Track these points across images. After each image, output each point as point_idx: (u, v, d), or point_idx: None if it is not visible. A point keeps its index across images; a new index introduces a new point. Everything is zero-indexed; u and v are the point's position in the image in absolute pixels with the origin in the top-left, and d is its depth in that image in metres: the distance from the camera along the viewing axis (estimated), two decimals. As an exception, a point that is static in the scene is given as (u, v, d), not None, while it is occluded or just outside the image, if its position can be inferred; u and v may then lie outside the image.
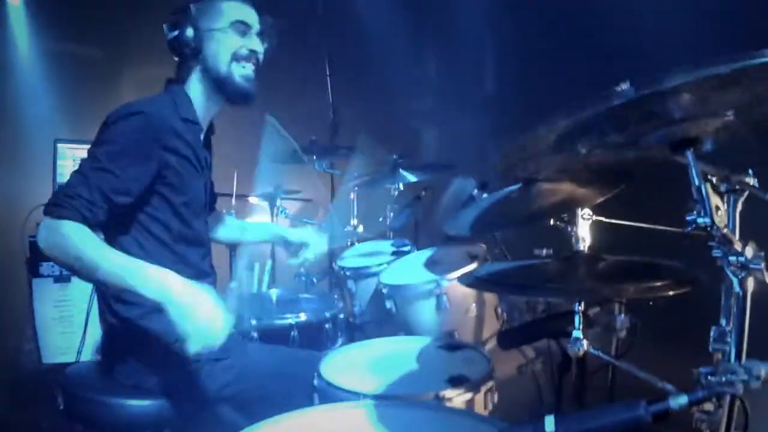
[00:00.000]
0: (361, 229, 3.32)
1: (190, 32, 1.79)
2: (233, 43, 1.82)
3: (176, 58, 1.86)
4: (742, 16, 2.73)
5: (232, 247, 3.53)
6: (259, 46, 1.88)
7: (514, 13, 4.03)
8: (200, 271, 1.86)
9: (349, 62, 3.90)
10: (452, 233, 2.21)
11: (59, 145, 3.75)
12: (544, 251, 1.79)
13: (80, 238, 1.48)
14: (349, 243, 3.26)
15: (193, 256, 1.86)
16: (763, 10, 2.56)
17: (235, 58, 1.82)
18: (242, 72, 1.83)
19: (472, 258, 2.20)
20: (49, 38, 4.42)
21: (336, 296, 2.75)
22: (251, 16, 1.88)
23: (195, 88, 1.86)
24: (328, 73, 3.40)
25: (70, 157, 3.77)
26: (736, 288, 1.05)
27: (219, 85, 1.84)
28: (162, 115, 1.72)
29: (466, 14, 4.47)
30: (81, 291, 3.39)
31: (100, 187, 1.55)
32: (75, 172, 1.59)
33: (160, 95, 1.85)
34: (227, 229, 2.27)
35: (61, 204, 1.50)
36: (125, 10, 4.29)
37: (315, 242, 2.13)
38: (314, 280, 3.03)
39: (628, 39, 3.12)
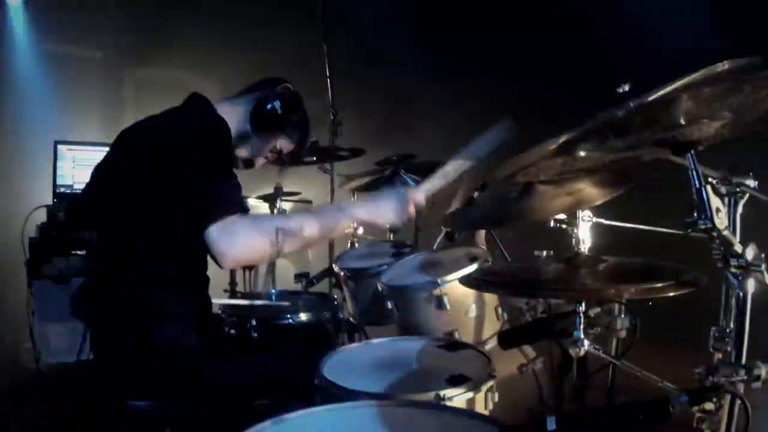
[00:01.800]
0: (360, 229, 3.32)
1: (281, 110, 1.91)
2: (261, 152, 1.99)
3: (252, 115, 1.91)
4: (742, 17, 2.74)
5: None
6: (259, 164, 2.04)
7: (515, 13, 4.04)
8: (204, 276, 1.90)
9: (349, 62, 3.90)
10: (452, 231, 2.22)
11: (59, 146, 3.76)
12: (545, 252, 1.80)
13: (264, 220, 1.64)
14: (349, 244, 3.27)
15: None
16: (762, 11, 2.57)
17: (272, 155, 2.01)
18: (260, 163, 2.02)
19: (472, 259, 2.20)
20: (49, 39, 4.43)
21: (336, 297, 2.75)
22: (301, 145, 2.05)
23: (235, 129, 1.90)
24: (328, 73, 3.40)
25: (70, 158, 3.78)
26: (737, 289, 1.05)
27: (242, 158, 1.97)
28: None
29: (466, 14, 4.48)
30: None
31: (233, 188, 1.62)
32: (207, 184, 1.59)
33: (216, 118, 1.87)
34: None
35: (219, 207, 1.52)
36: (125, 11, 4.29)
37: None
38: (314, 280, 3.04)
39: (629, 38, 3.13)
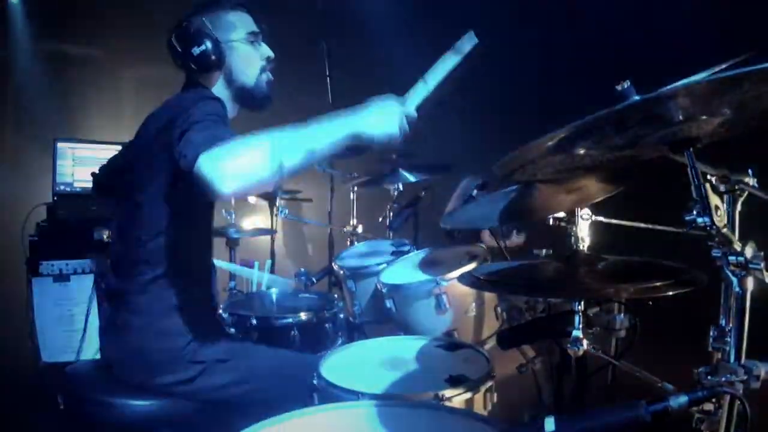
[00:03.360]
0: (360, 229, 3.33)
1: (211, 45, 1.81)
2: (253, 53, 1.89)
3: (194, 67, 1.84)
4: (741, 17, 2.73)
5: (232, 246, 3.55)
6: (270, 52, 1.94)
7: (515, 13, 4.03)
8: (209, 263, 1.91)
9: (349, 62, 3.90)
10: (451, 229, 2.22)
11: (59, 145, 3.76)
12: (544, 251, 1.79)
13: (254, 134, 1.41)
14: (349, 242, 3.27)
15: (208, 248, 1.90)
16: (761, 11, 2.56)
17: (262, 68, 1.91)
18: (267, 79, 1.92)
19: (472, 258, 2.20)
20: (49, 38, 4.43)
21: (335, 296, 2.75)
22: (254, 24, 1.93)
23: (220, 94, 1.86)
24: (328, 73, 3.40)
25: (70, 156, 3.77)
26: (736, 288, 1.05)
27: (245, 94, 1.90)
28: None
29: (466, 13, 4.47)
30: (81, 290, 3.39)
31: (224, 132, 1.50)
32: (195, 131, 1.48)
33: (207, 90, 1.85)
34: None
35: (208, 140, 1.40)
36: (125, 10, 4.29)
37: None
38: (314, 279, 3.04)
39: (629, 38, 3.13)
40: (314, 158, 1.46)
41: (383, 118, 1.55)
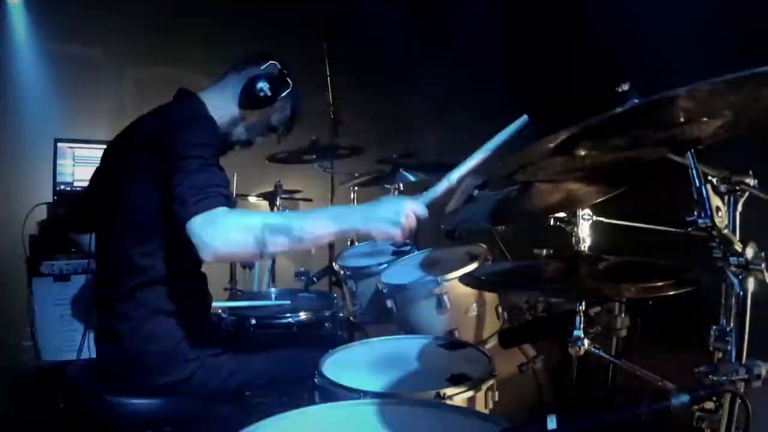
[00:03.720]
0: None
1: (266, 96, 1.92)
2: (263, 129, 2.04)
3: (245, 97, 1.92)
4: (741, 17, 2.74)
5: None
6: (257, 139, 2.07)
7: (516, 13, 4.04)
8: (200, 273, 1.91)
9: (349, 62, 3.90)
10: (451, 228, 2.22)
11: (59, 144, 3.75)
12: (545, 251, 1.80)
13: (250, 215, 1.51)
14: (349, 242, 3.27)
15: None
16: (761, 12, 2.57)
17: (268, 131, 2.05)
18: (258, 140, 2.06)
19: (473, 258, 2.20)
20: (49, 38, 4.42)
21: (336, 295, 2.76)
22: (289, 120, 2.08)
23: (222, 120, 1.91)
24: (328, 73, 3.40)
25: (70, 156, 3.77)
26: (737, 288, 1.05)
27: (238, 141, 2.01)
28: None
29: (467, 13, 4.48)
30: (81, 289, 3.39)
31: (219, 179, 1.58)
32: (191, 172, 1.55)
33: (202, 106, 1.88)
34: None
35: (204, 197, 1.48)
36: (125, 10, 4.28)
37: None
38: (314, 279, 3.04)
39: (630, 39, 3.13)
40: (302, 246, 1.52)
41: (387, 217, 1.55)
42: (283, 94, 1.97)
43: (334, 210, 1.61)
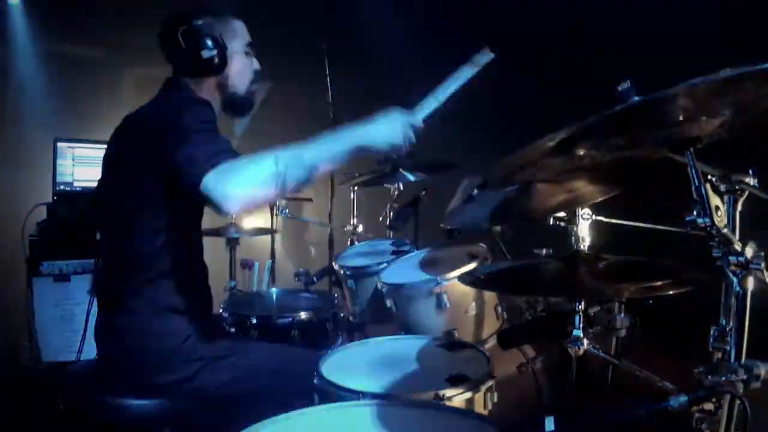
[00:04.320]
0: (361, 228, 3.32)
1: (219, 50, 1.82)
2: (248, 64, 1.93)
3: (193, 69, 1.85)
4: (741, 17, 2.73)
5: (232, 246, 3.55)
6: (258, 65, 1.98)
7: (515, 13, 4.03)
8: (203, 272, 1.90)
9: (349, 62, 3.90)
10: (452, 228, 2.22)
11: (59, 144, 3.76)
12: (544, 251, 1.79)
13: (259, 153, 1.48)
14: (349, 242, 3.27)
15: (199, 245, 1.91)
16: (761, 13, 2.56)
17: (252, 80, 1.95)
18: (254, 89, 1.96)
19: (472, 257, 2.20)
20: (49, 38, 4.43)
21: (336, 295, 2.75)
22: (248, 35, 1.96)
23: (208, 98, 1.87)
24: (327, 73, 3.40)
25: (70, 156, 3.77)
26: (736, 288, 1.05)
27: (234, 101, 1.93)
28: None
29: (467, 14, 4.47)
30: (81, 290, 3.39)
31: (226, 144, 1.57)
32: (196, 142, 1.52)
33: (189, 91, 1.85)
34: None
35: (214, 155, 1.46)
36: (125, 10, 4.29)
37: None
38: (314, 279, 3.04)
39: (629, 40, 3.13)
40: (317, 173, 1.53)
41: (388, 129, 1.63)
42: (230, 42, 1.86)
43: (337, 133, 1.60)
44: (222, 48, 1.83)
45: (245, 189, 1.44)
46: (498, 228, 2.35)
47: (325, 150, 1.55)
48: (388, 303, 2.23)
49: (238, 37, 1.91)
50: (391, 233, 3.21)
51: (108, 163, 1.88)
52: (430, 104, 1.77)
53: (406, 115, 1.68)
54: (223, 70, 1.86)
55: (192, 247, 1.88)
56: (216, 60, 1.82)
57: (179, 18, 1.82)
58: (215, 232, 3.35)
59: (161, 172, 1.60)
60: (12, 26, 4.41)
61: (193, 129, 1.56)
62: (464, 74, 1.78)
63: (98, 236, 1.92)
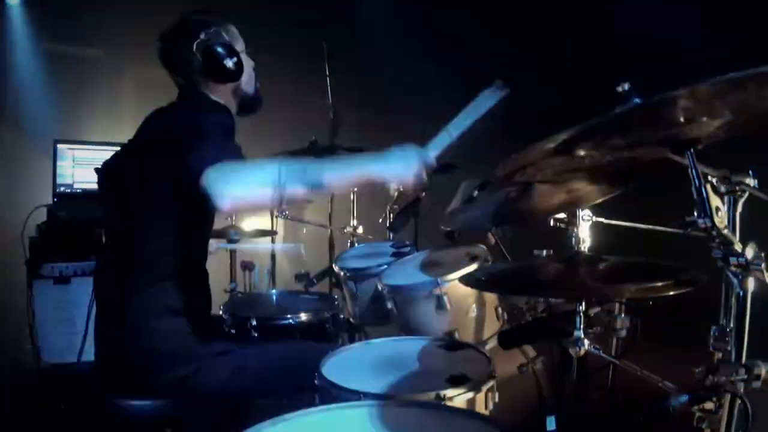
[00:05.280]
0: (360, 230, 3.33)
1: (236, 58, 1.87)
2: (250, 65, 1.99)
3: (215, 78, 1.89)
4: (741, 18, 2.74)
5: (232, 249, 3.54)
6: (253, 62, 2.03)
7: (515, 13, 4.04)
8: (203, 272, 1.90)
9: (349, 62, 3.90)
10: (452, 229, 2.22)
11: (59, 146, 3.76)
12: (545, 252, 1.80)
13: (265, 161, 1.50)
14: (349, 244, 3.27)
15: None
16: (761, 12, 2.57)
17: (256, 78, 2.00)
18: (258, 87, 2.03)
19: (473, 259, 2.20)
20: (49, 38, 4.43)
21: (336, 297, 2.75)
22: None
23: (226, 104, 1.93)
24: (327, 73, 3.40)
25: (70, 157, 3.77)
26: (737, 288, 1.05)
27: (248, 102, 2.00)
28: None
29: (466, 15, 4.48)
30: (81, 292, 3.39)
31: (236, 150, 1.62)
32: (208, 143, 1.55)
33: (205, 96, 1.89)
34: None
35: (221, 153, 1.48)
36: (125, 10, 4.29)
37: None
38: (314, 280, 3.04)
39: (629, 41, 3.13)
40: (319, 191, 1.53)
41: (401, 167, 1.59)
42: (236, 46, 1.89)
43: (350, 157, 1.67)
44: (237, 54, 1.88)
45: (241, 190, 1.45)
46: (498, 229, 2.36)
47: (333, 173, 1.54)
48: (389, 304, 2.23)
49: (238, 40, 1.95)
50: (391, 235, 3.21)
51: (117, 164, 1.90)
52: (443, 141, 1.71)
53: (421, 154, 1.63)
54: (242, 75, 1.91)
55: (195, 251, 1.88)
56: (236, 68, 1.87)
57: (187, 30, 1.85)
58: (216, 234, 3.36)
59: (172, 171, 1.60)
60: (12, 26, 4.41)
61: (208, 130, 1.60)
62: (479, 109, 1.74)
63: (104, 238, 1.93)
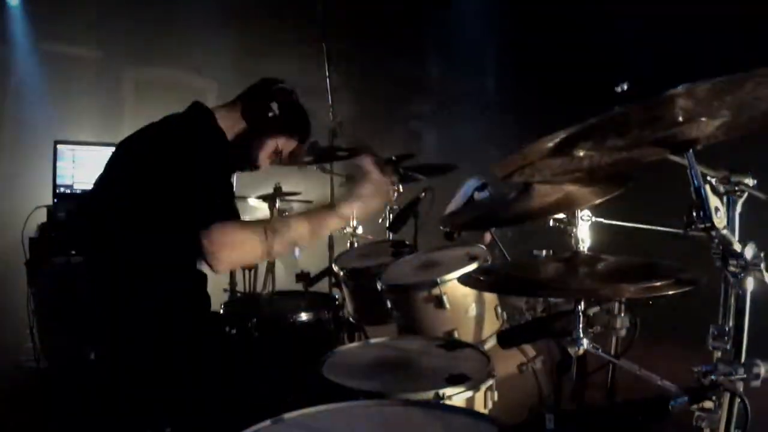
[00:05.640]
0: (360, 230, 3.32)
1: (278, 110, 1.94)
2: (275, 154, 2.03)
3: (249, 117, 1.93)
4: (740, 19, 2.74)
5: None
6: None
7: (515, 15, 4.05)
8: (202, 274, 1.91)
9: (349, 63, 3.91)
10: (451, 230, 2.22)
11: (59, 146, 3.76)
12: (544, 252, 1.80)
13: (252, 222, 1.75)
14: (348, 244, 3.27)
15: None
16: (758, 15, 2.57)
17: (275, 155, 2.04)
18: (266, 164, 2.05)
19: (472, 258, 2.20)
20: (50, 39, 4.43)
21: (336, 297, 2.76)
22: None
23: (233, 129, 1.93)
24: (327, 73, 3.40)
25: (70, 158, 3.77)
26: (735, 288, 1.06)
27: (244, 158, 2.00)
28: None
29: (467, 16, 4.48)
30: (81, 292, 3.38)
31: (227, 190, 1.76)
32: (200, 185, 1.67)
33: (214, 128, 1.89)
34: None
35: (212, 211, 1.62)
36: (125, 10, 4.29)
37: None
38: (314, 280, 3.04)
39: (628, 41, 3.14)
40: (303, 242, 1.74)
41: (370, 198, 1.77)
42: (291, 117, 1.99)
43: (323, 214, 1.77)
44: (277, 119, 1.95)
45: (234, 255, 1.66)
46: (498, 230, 2.36)
47: (314, 224, 1.74)
48: (388, 304, 2.24)
49: (287, 140, 2.03)
50: (391, 234, 3.21)
51: (113, 167, 1.89)
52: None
53: (372, 175, 1.80)
54: (258, 127, 1.95)
55: (190, 253, 1.88)
56: (265, 119, 1.94)
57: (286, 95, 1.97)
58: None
59: (164, 184, 1.68)
60: (12, 26, 4.41)
61: (199, 173, 1.69)
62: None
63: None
